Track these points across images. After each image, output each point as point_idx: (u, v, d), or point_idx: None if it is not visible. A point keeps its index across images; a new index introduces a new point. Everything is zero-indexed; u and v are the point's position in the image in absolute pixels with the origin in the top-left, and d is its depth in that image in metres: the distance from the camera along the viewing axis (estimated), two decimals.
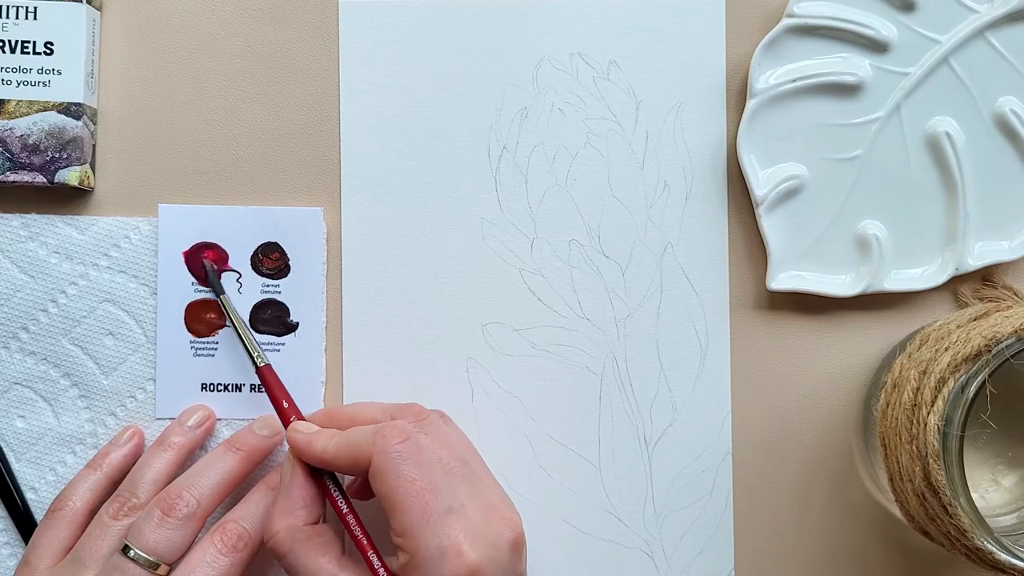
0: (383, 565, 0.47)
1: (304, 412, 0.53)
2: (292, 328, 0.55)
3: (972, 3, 0.54)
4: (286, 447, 0.54)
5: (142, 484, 0.51)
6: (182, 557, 0.49)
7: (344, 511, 0.49)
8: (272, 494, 0.51)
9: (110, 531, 0.49)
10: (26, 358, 0.55)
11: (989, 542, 0.46)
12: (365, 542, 0.48)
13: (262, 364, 0.52)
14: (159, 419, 0.55)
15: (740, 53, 0.56)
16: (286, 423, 0.51)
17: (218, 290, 0.54)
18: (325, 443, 0.48)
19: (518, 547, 0.47)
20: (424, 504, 0.45)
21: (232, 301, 0.54)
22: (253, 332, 0.54)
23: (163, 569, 0.48)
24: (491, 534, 0.46)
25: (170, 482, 0.51)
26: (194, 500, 0.49)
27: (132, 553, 0.48)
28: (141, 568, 0.48)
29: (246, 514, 0.50)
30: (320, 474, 0.50)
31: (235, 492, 0.52)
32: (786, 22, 0.54)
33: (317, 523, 0.49)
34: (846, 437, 0.56)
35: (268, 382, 0.52)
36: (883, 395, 0.50)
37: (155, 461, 0.52)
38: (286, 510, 0.48)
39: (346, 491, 0.51)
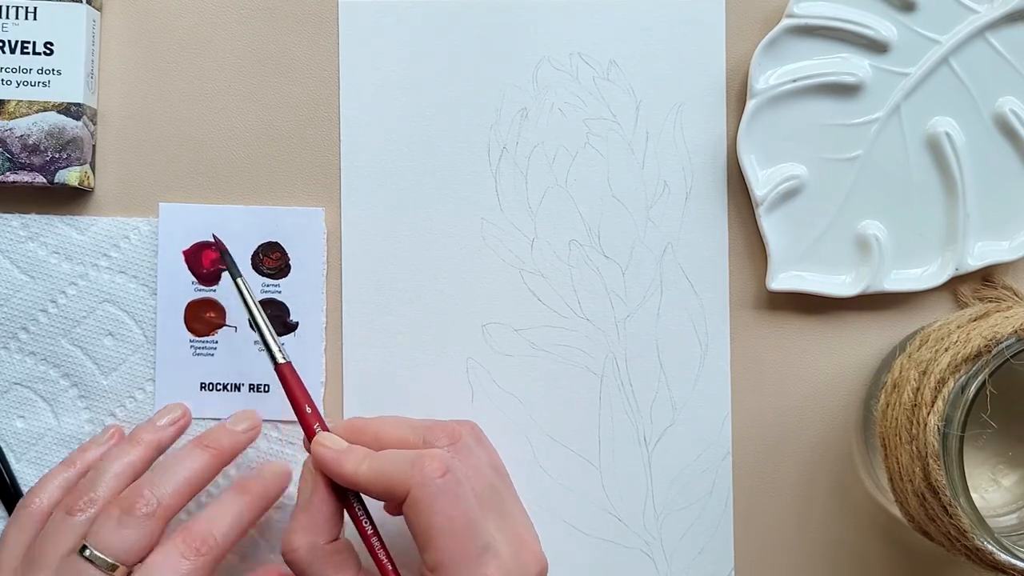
0: None
1: None
2: (292, 328, 0.55)
3: (972, 3, 0.54)
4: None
5: (103, 478, 0.48)
6: (143, 560, 0.46)
7: (369, 532, 0.48)
8: (243, 498, 0.49)
9: (64, 527, 0.47)
10: (26, 358, 0.55)
11: (989, 542, 0.46)
12: (390, 567, 0.47)
13: (282, 361, 0.50)
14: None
15: (740, 53, 0.56)
16: (309, 431, 0.49)
17: (234, 272, 0.51)
18: (356, 465, 0.46)
19: None
20: (461, 543, 0.44)
21: (250, 289, 0.52)
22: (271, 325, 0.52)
23: (121, 571, 0.46)
24: (519, 570, 0.45)
25: (131, 478, 0.49)
26: (155, 499, 0.47)
27: (88, 553, 0.46)
28: (97, 569, 0.45)
29: (215, 516, 0.48)
30: (343, 491, 0.48)
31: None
32: (786, 22, 0.54)
33: (337, 539, 0.48)
34: (846, 437, 0.56)
35: (289, 382, 0.50)
36: (883, 395, 0.50)
37: (120, 456, 0.49)
38: (307, 527, 0.47)
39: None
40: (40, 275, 0.55)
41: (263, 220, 0.55)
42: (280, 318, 0.55)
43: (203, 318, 0.55)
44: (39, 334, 0.55)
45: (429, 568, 0.44)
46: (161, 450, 0.51)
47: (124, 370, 0.55)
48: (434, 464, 0.45)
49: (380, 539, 0.48)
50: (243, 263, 0.55)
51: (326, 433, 0.49)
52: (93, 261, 0.55)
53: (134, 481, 0.49)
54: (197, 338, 0.55)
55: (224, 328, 0.55)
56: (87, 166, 0.54)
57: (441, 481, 0.44)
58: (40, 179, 0.53)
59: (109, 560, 0.46)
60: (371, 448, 0.48)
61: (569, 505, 0.55)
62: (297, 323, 0.55)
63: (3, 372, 0.55)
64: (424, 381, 0.55)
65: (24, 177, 0.53)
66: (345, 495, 0.48)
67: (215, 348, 0.55)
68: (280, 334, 0.55)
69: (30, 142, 0.53)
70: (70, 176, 0.54)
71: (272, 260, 0.55)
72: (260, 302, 0.53)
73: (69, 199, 0.55)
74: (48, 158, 0.53)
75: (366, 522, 0.48)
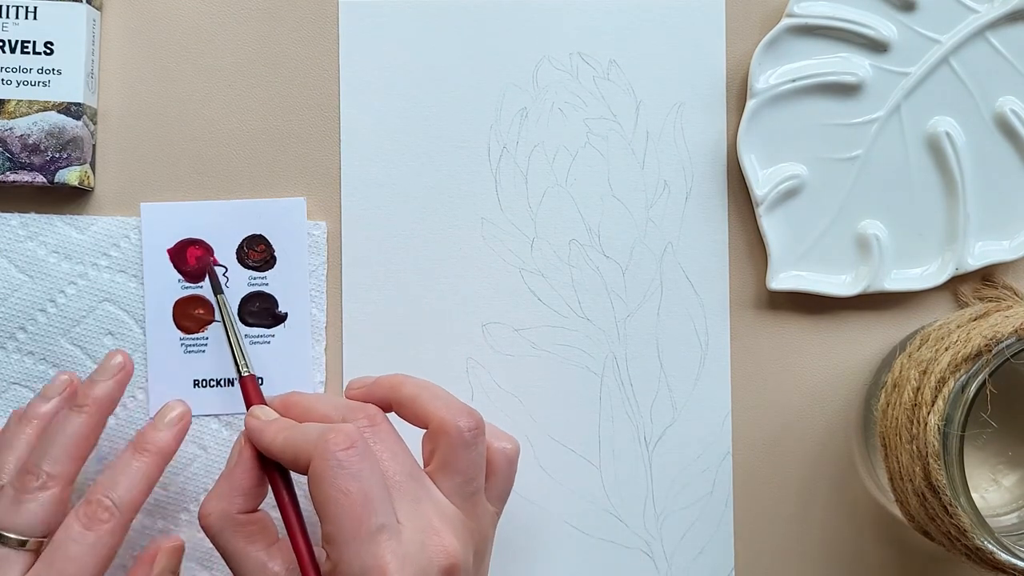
0: (316, 571, 0.46)
1: None
2: (281, 319, 0.55)
3: (972, 3, 0.54)
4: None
5: (6, 467, 0.49)
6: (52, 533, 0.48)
7: (287, 507, 0.48)
8: (141, 459, 0.49)
9: None
10: (24, 358, 0.55)
11: (989, 542, 0.46)
12: (302, 543, 0.47)
13: (246, 374, 0.52)
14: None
15: (740, 53, 0.56)
16: (247, 405, 0.51)
17: (217, 288, 0.54)
18: (275, 434, 0.47)
19: (452, 574, 0.45)
20: (355, 519, 0.43)
21: (228, 305, 0.54)
22: (243, 339, 0.54)
23: (32, 543, 0.47)
24: (423, 559, 0.44)
25: None
26: (44, 473, 0.48)
27: None
28: (8, 548, 0.47)
29: (110, 483, 0.48)
30: (270, 464, 0.48)
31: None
32: (786, 22, 0.54)
33: (255, 511, 0.48)
34: (846, 437, 0.56)
35: (248, 392, 0.51)
36: (883, 395, 0.50)
37: (16, 440, 0.50)
38: (222, 495, 0.47)
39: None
40: (39, 274, 0.55)
41: (245, 213, 0.55)
42: (268, 310, 0.55)
43: (192, 315, 0.55)
44: (38, 334, 0.55)
45: (325, 541, 0.44)
46: (47, 421, 0.51)
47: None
48: (339, 438, 0.44)
49: (299, 515, 0.48)
50: (228, 258, 0.55)
51: (259, 405, 0.50)
52: (93, 260, 0.55)
53: None
54: (187, 336, 0.55)
55: (213, 324, 0.55)
56: (87, 166, 0.54)
57: (343, 454, 0.44)
58: (40, 179, 0.53)
59: (15, 537, 0.47)
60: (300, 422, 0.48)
61: (569, 505, 0.55)
62: (286, 314, 0.55)
63: (2, 372, 0.55)
64: None
65: (24, 177, 0.53)
66: (270, 467, 0.48)
67: (206, 345, 0.55)
68: (269, 326, 0.55)
69: (30, 142, 0.53)
70: (70, 176, 0.53)
71: (257, 253, 0.55)
72: (248, 296, 0.55)
73: (69, 199, 0.55)
74: (48, 158, 0.53)
75: (286, 496, 0.48)
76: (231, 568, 0.47)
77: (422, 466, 0.48)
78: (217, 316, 0.55)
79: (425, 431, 0.48)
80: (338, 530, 0.43)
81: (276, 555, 0.47)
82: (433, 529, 0.45)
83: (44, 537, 0.48)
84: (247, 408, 0.51)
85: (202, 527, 0.47)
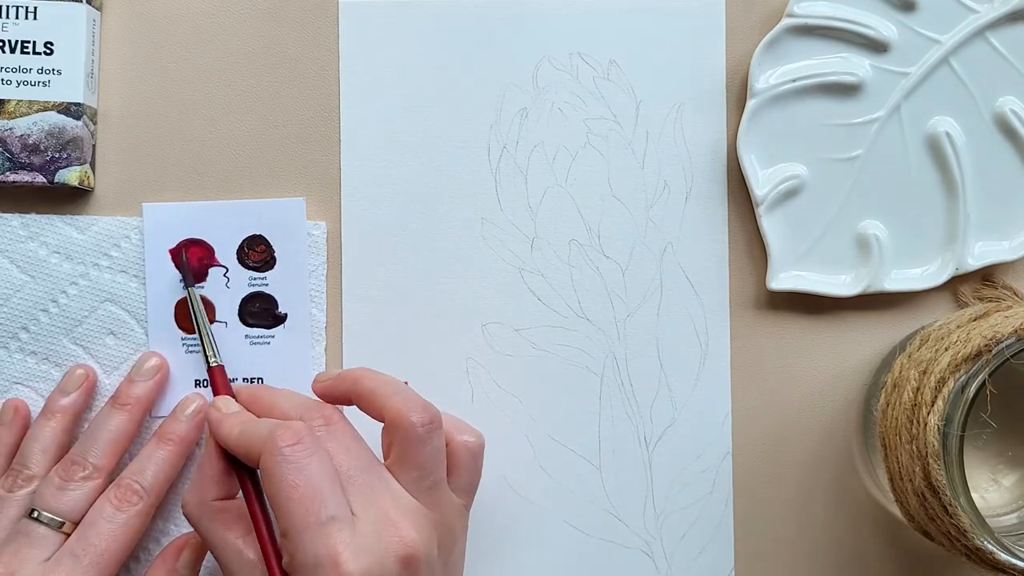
0: (278, 563, 0.46)
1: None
2: (281, 320, 0.55)
3: (972, 3, 0.54)
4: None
5: (33, 456, 0.52)
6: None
7: (251, 497, 0.49)
8: (162, 446, 0.53)
9: (7, 503, 0.52)
10: (27, 358, 0.55)
11: (989, 542, 0.46)
12: (265, 531, 0.47)
13: (215, 364, 0.53)
14: (156, 417, 0.55)
15: (740, 53, 0.56)
16: (214, 395, 0.52)
17: (188, 283, 0.54)
18: (231, 427, 0.48)
19: (410, 564, 0.45)
20: (304, 511, 0.44)
21: (198, 297, 0.54)
22: (211, 331, 0.54)
23: (68, 527, 0.51)
24: (379, 549, 0.44)
25: (59, 447, 0.53)
26: (90, 465, 0.52)
27: (36, 514, 0.51)
28: (47, 527, 0.50)
29: (138, 469, 0.52)
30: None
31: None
32: (786, 22, 0.54)
33: (230, 497, 0.49)
34: (846, 437, 0.56)
35: (216, 382, 0.53)
36: (883, 395, 0.50)
37: (42, 432, 0.53)
38: (197, 483, 0.49)
39: None
40: (41, 275, 0.55)
41: (246, 214, 0.55)
42: (269, 310, 0.55)
43: None
44: (40, 334, 0.55)
45: (281, 535, 0.45)
46: (78, 416, 0.54)
47: (126, 369, 0.55)
48: (286, 434, 0.45)
49: (263, 506, 0.48)
50: (229, 258, 0.55)
51: (222, 396, 0.52)
52: (94, 260, 0.55)
53: (60, 449, 0.53)
54: (189, 335, 0.55)
55: (216, 324, 0.55)
56: (87, 166, 0.54)
57: (289, 449, 0.45)
58: (40, 179, 0.53)
59: (57, 519, 0.51)
60: (261, 416, 0.50)
61: (569, 505, 0.55)
62: (286, 314, 0.55)
63: (4, 372, 0.55)
64: (424, 381, 0.55)
65: (24, 177, 0.53)
66: (236, 458, 0.49)
67: None
68: (270, 326, 0.55)
69: (30, 142, 0.53)
70: (70, 176, 0.54)
71: (257, 253, 0.55)
72: (248, 296, 0.55)
73: (69, 199, 0.55)
74: (48, 158, 0.53)
75: (251, 487, 0.49)
76: (213, 554, 0.49)
77: (383, 460, 0.49)
78: (221, 316, 0.55)
79: (383, 425, 0.49)
80: (290, 523, 0.44)
81: (252, 543, 0.48)
82: (389, 520, 0.45)
83: (78, 523, 0.51)
84: (215, 394, 0.52)
85: (184, 515, 0.49)
